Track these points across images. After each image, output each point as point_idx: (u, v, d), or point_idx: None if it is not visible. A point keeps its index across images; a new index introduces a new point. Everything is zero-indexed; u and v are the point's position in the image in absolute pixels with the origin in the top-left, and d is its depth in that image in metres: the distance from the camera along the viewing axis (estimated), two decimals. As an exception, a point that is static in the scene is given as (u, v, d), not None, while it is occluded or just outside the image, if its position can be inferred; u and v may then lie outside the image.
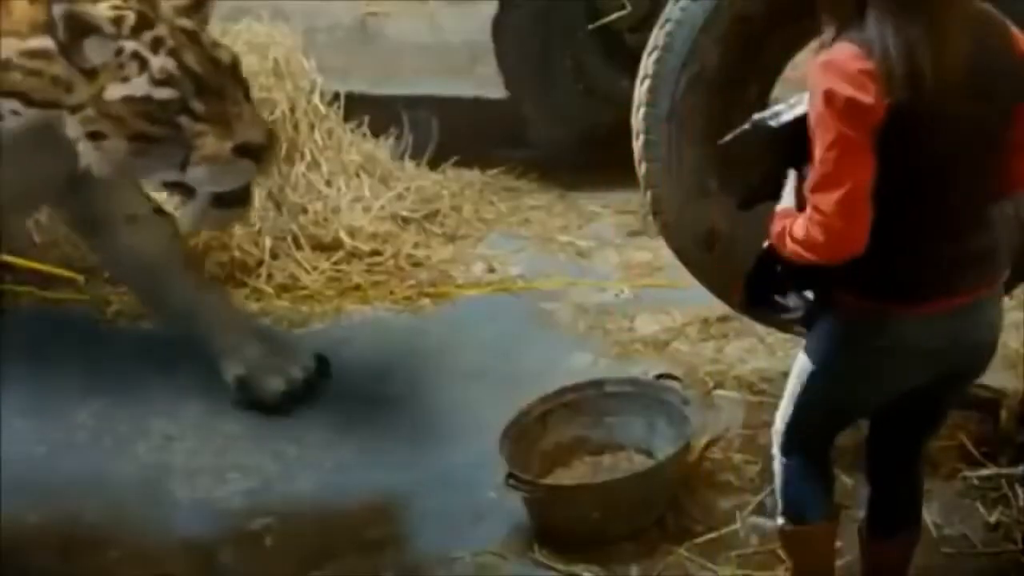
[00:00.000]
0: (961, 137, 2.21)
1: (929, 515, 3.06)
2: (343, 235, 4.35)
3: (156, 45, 3.01)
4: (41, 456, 3.41)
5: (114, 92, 2.99)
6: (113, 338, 3.92)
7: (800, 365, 2.49)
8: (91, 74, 2.98)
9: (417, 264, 4.35)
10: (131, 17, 3.01)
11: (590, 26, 4.80)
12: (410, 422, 3.50)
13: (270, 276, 4.18)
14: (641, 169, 3.46)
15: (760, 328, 3.78)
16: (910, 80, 2.14)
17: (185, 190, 3.15)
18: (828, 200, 2.19)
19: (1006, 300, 3.73)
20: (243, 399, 3.56)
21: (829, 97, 2.22)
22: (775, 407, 3.51)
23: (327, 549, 3.06)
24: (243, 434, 3.49)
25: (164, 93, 3.00)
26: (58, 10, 2.90)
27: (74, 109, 3.01)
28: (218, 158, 3.04)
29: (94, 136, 3.02)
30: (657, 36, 3.40)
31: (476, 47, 4.92)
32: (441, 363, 3.80)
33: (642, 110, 3.41)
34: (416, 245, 4.44)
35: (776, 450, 2.60)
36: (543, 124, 4.91)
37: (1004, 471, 3.19)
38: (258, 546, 3.08)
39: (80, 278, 4.22)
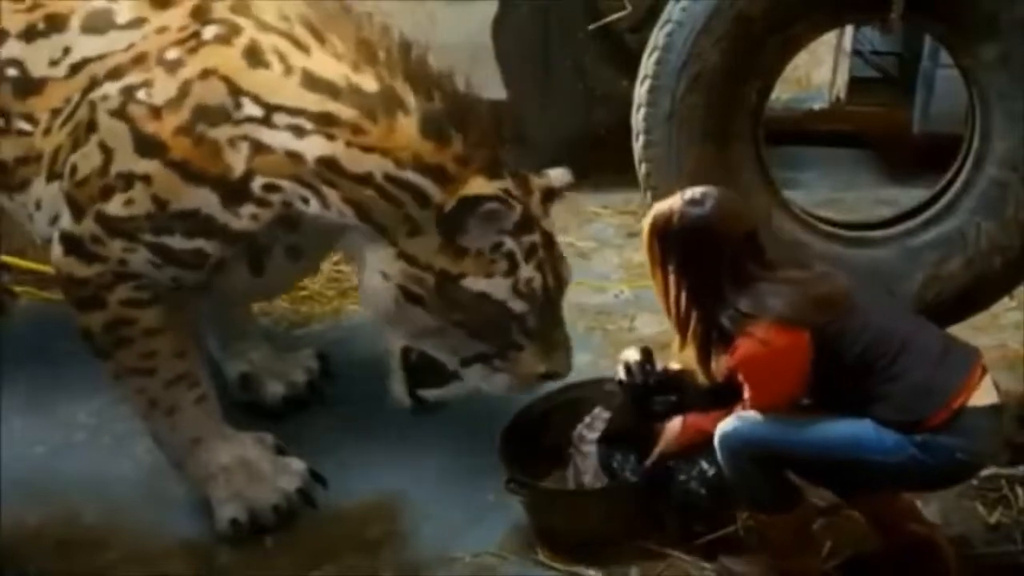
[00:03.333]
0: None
1: (929, 516, 3.05)
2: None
3: (530, 253, 2.87)
4: (41, 456, 3.40)
5: (474, 284, 2.84)
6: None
7: (855, 434, 2.60)
8: (458, 251, 2.82)
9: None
10: (517, 213, 2.83)
11: (590, 27, 4.80)
12: (410, 422, 3.48)
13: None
14: (641, 169, 3.46)
15: (760, 328, 3.78)
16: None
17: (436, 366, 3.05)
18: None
19: (1006, 300, 3.76)
20: (244, 398, 3.55)
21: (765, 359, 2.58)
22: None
23: (327, 549, 3.05)
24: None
25: (519, 307, 2.87)
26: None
27: (408, 259, 2.85)
28: (524, 377, 2.99)
29: (408, 294, 2.87)
30: (657, 37, 3.40)
31: (476, 47, 4.92)
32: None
33: (642, 110, 3.42)
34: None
35: (725, 455, 2.70)
36: (543, 124, 4.92)
37: (1004, 472, 3.19)
38: (258, 546, 3.08)
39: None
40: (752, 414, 2.67)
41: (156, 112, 2.79)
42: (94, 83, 2.87)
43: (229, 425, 3.15)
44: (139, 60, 2.84)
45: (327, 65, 2.79)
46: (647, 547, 2.99)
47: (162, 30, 2.85)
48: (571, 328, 3.59)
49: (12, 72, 2.97)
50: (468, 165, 2.79)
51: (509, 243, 2.84)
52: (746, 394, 2.66)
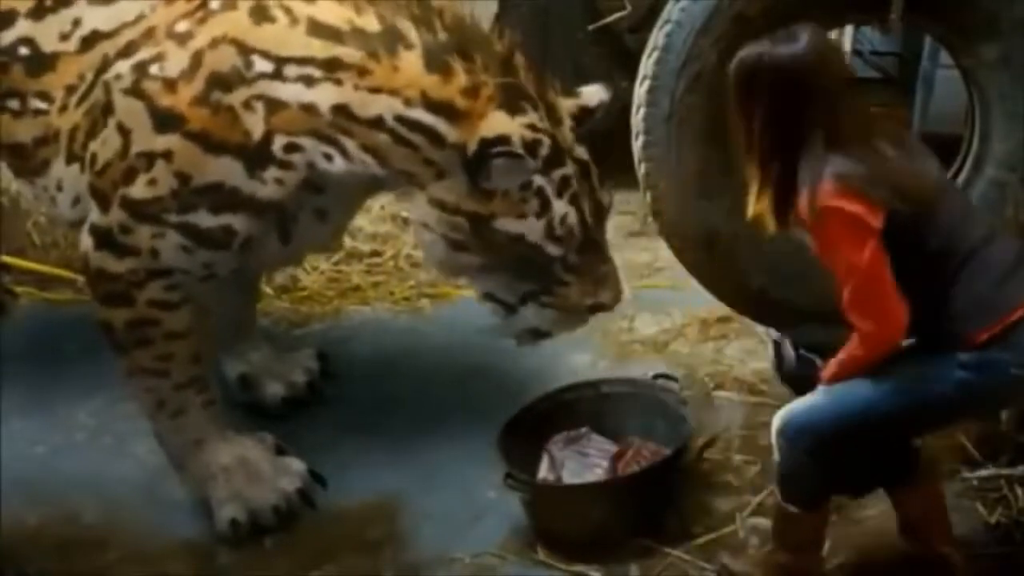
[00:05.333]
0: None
1: (929, 515, 3.06)
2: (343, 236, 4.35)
3: (562, 187, 2.80)
4: (41, 456, 3.41)
5: (506, 225, 2.78)
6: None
7: (898, 383, 2.53)
8: (486, 194, 2.76)
9: (416, 265, 4.35)
10: (546, 146, 2.76)
11: (590, 27, 4.80)
12: (410, 422, 3.49)
13: (270, 277, 4.17)
14: (641, 169, 3.46)
15: (760, 329, 3.78)
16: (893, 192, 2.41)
17: (507, 308, 2.97)
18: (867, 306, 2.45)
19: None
20: (244, 399, 3.55)
21: (840, 220, 2.42)
22: (775, 408, 3.52)
23: (327, 549, 3.06)
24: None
25: (556, 250, 2.82)
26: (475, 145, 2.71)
27: (439, 205, 2.80)
28: (573, 311, 2.94)
29: (451, 241, 2.83)
30: (657, 37, 3.40)
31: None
32: (441, 363, 3.80)
33: (642, 111, 3.41)
34: (416, 246, 4.43)
35: (786, 439, 2.62)
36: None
37: (1004, 471, 3.19)
38: (258, 546, 3.08)
39: (79, 278, 4.20)
40: (802, 403, 2.63)
41: (170, 85, 2.78)
42: (106, 63, 2.87)
43: (230, 426, 3.16)
44: (149, 35, 2.84)
45: (331, 10, 2.77)
46: (647, 545, 2.99)
47: (170, 2, 2.85)
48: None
49: (24, 51, 2.96)
50: (477, 97, 2.72)
51: (539, 180, 2.77)
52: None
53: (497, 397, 3.52)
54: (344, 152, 2.78)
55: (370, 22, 2.76)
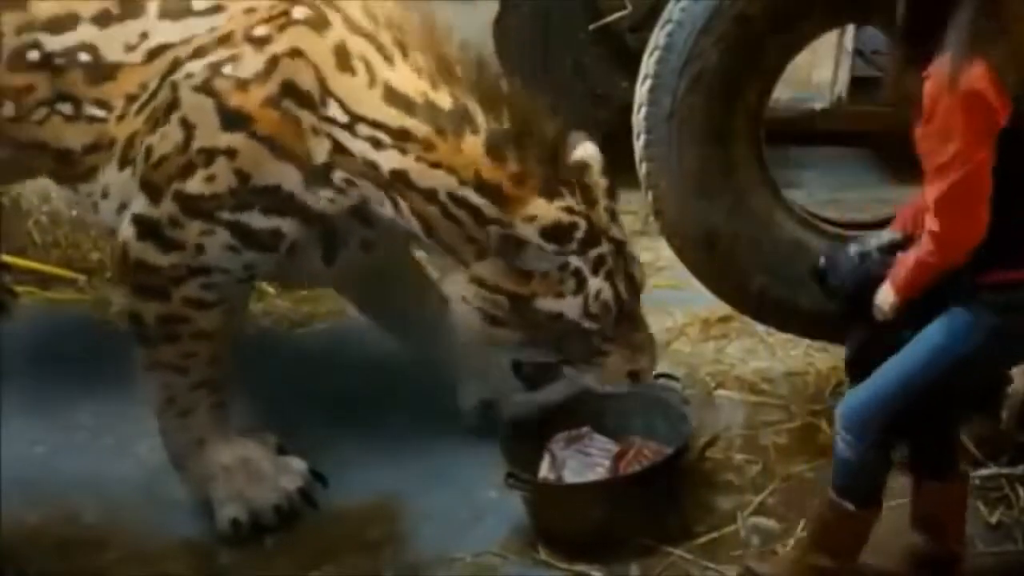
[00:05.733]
0: None
1: (930, 515, 3.06)
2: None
3: (598, 265, 2.85)
4: (41, 456, 3.40)
5: (544, 304, 2.84)
6: (113, 338, 3.90)
7: (926, 347, 2.53)
8: (524, 275, 2.82)
9: (417, 264, 4.34)
10: (582, 229, 2.81)
11: (591, 26, 4.80)
12: (410, 422, 3.49)
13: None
14: (641, 169, 3.46)
15: (761, 328, 3.78)
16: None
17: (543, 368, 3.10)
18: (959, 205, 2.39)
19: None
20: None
21: (977, 109, 2.35)
22: (776, 407, 3.54)
23: (327, 549, 3.05)
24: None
25: (593, 325, 2.87)
26: (494, 231, 2.77)
27: (479, 282, 2.86)
28: (611, 377, 2.98)
29: (489, 316, 2.88)
30: (658, 36, 3.40)
31: (476, 47, 4.92)
32: (440, 363, 3.80)
33: (643, 110, 3.41)
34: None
35: (854, 435, 2.61)
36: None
37: (1005, 471, 3.19)
38: (258, 546, 3.07)
39: (80, 278, 4.23)
40: (857, 395, 2.63)
41: (243, 85, 2.81)
42: (176, 65, 2.88)
43: (233, 428, 3.15)
44: (225, 39, 2.86)
45: (407, 80, 2.83)
46: (648, 544, 2.99)
47: (249, 11, 2.87)
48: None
49: (84, 57, 2.95)
50: (524, 184, 2.79)
51: (575, 261, 2.83)
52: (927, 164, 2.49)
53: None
54: (396, 207, 2.86)
55: (443, 99, 2.82)
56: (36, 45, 2.98)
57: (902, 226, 2.78)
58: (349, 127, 2.82)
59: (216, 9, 2.91)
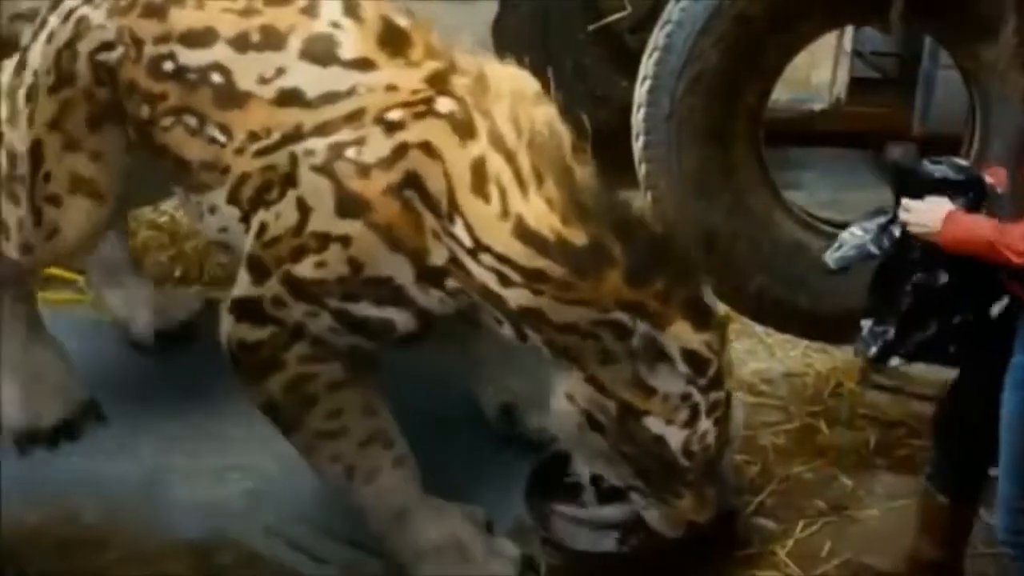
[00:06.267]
0: None
1: (929, 516, 3.06)
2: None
3: (713, 409, 2.72)
4: (41, 456, 3.40)
5: (652, 424, 2.69)
6: (113, 338, 3.91)
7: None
8: (647, 389, 2.68)
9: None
10: (714, 368, 2.69)
11: (590, 27, 4.80)
12: (410, 423, 3.48)
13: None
14: (641, 169, 3.46)
15: (760, 329, 3.79)
16: None
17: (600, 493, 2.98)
18: None
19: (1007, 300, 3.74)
20: (504, 430, 3.38)
21: None
22: (775, 408, 3.55)
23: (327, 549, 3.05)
24: (243, 434, 3.47)
25: (686, 463, 2.74)
26: (642, 328, 2.62)
27: (596, 384, 2.70)
28: (674, 523, 2.84)
29: (591, 420, 2.74)
30: (657, 37, 3.40)
31: (476, 48, 4.92)
32: (440, 363, 3.80)
33: (642, 111, 3.42)
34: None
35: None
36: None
37: (1004, 472, 3.19)
38: (258, 546, 3.08)
39: (80, 278, 4.22)
40: (1004, 512, 2.56)
41: (364, 171, 2.67)
42: (299, 134, 2.75)
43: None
44: (354, 117, 2.72)
45: (540, 215, 2.65)
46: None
47: (391, 88, 2.72)
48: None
49: (216, 78, 2.85)
50: (668, 303, 2.66)
51: (697, 395, 2.70)
52: None
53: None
54: (520, 334, 2.73)
55: (577, 236, 2.64)
56: (171, 56, 2.90)
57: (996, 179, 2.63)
58: (472, 253, 2.66)
59: (362, 64, 2.76)
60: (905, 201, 2.58)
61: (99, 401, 3.45)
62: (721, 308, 2.94)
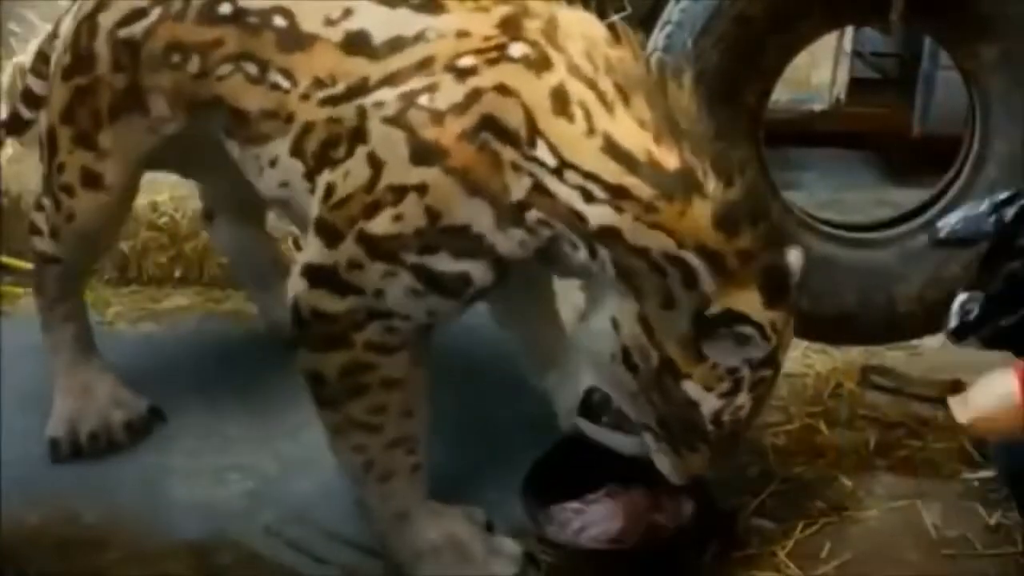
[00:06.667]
0: None
1: (929, 517, 3.07)
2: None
3: (756, 386, 2.63)
4: (41, 456, 3.40)
5: (690, 389, 2.61)
6: (113, 339, 3.92)
7: None
8: (697, 354, 2.58)
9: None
10: (770, 347, 2.59)
11: (590, 27, 4.80)
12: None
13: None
14: (642, 170, 3.45)
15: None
16: None
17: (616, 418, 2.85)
18: None
19: (1006, 301, 3.74)
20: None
21: None
22: (774, 408, 3.54)
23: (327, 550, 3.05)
24: (243, 434, 3.49)
25: (713, 428, 2.66)
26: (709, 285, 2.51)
27: (646, 327, 2.60)
28: (686, 471, 2.78)
29: (627, 358, 2.64)
30: (657, 38, 3.40)
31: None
32: (440, 363, 3.79)
33: (643, 111, 3.41)
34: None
35: None
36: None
37: (1004, 472, 3.19)
38: (258, 546, 3.08)
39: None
40: None
41: (438, 117, 2.57)
42: (366, 86, 2.67)
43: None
44: (423, 65, 2.63)
45: (630, 133, 2.55)
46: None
47: (462, 35, 2.65)
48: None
49: (279, 21, 2.77)
50: (748, 264, 2.55)
51: (744, 371, 2.61)
52: None
53: (497, 397, 3.52)
54: (594, 255, 2.62)
55: (669, 158, 2.54)
56: None
57: None
58: (557, 172, 2.56)
59: (431, 7, 2.68)
60: None
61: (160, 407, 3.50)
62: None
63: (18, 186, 4.42)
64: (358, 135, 2.67)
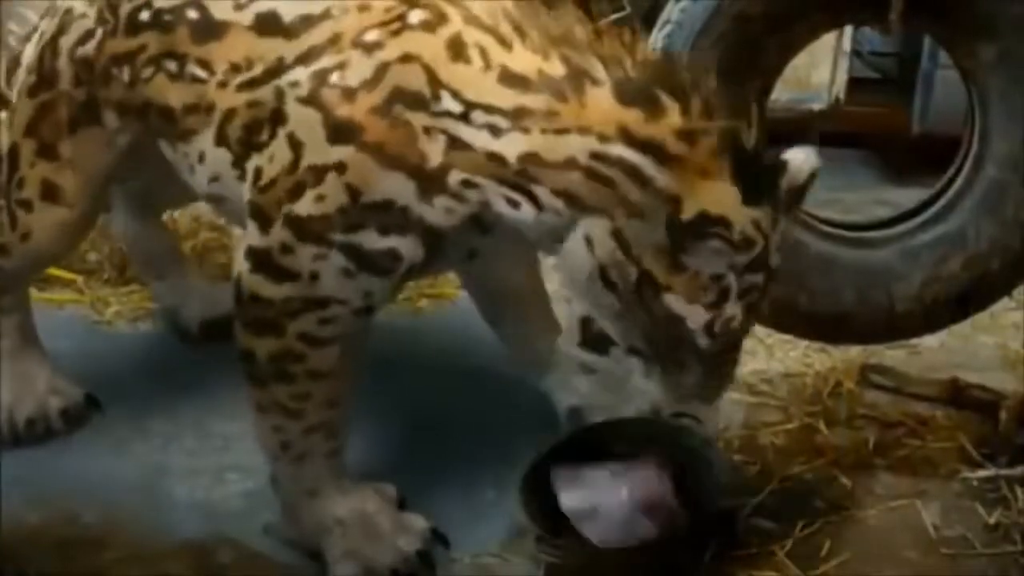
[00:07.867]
0: None
1: (928, 516, 3.07)
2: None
3: (745, 292, 2.56)
4: (41, 456, 3.40)
5: (673, 303, 2.54)
6: (113, 338, 3.92)
7: None
8: (675, 264, 2.51)
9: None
10: (757, 249, 2.53)
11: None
12: (409, 422, 3.49)
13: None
14: (641, 169, 3.45)
15: (759, 329, 3.78)
16: None
17: (603, 344, 2.74)
18: None
19: (1006, 300, 3.77)
20: None
21: None
22: (774, 408, 3.55)
23: (327, 549, 3.05)
24: (243, 434, 3.46)
25: (704, 342, 2.59)
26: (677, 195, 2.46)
27: (620, 241, 2.55)
28: (680, 397, 2.71)
29: (604, 276, 2.59)
30: (656, 38, 3.40)
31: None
32: (440, 364, 3.81)
33: (642, 111, 3.41)
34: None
35: None
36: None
37: (1003, 472, 3.20)
38: (258, 546, 3.07)
39: (78, 279, 4.22)
40: None
41: (350, 94, 2.62)
42: (281, 66, 2.72)
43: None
44: (332, 41, 2.68)
45: (522, 59, 2.59)
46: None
47: (363, 8, 2.70)
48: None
49: (192, 14, 2.83)
50: (694, 143, 2.48)
51: (730, 279, 2.55)
52: None
53: (497, 398, 3.52)
54: (534, 200, 2.60)
55: (555, 67, 2.57)
56: (147, 5, 2.91)
57: None
58: (464, 117, 2.58)
59: None
60: None
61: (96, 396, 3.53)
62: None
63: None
64: (278, 117, 2.71)
